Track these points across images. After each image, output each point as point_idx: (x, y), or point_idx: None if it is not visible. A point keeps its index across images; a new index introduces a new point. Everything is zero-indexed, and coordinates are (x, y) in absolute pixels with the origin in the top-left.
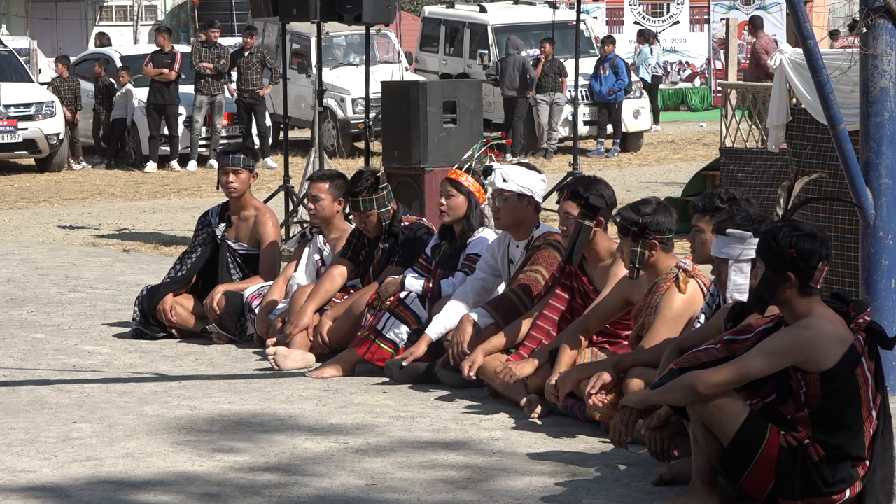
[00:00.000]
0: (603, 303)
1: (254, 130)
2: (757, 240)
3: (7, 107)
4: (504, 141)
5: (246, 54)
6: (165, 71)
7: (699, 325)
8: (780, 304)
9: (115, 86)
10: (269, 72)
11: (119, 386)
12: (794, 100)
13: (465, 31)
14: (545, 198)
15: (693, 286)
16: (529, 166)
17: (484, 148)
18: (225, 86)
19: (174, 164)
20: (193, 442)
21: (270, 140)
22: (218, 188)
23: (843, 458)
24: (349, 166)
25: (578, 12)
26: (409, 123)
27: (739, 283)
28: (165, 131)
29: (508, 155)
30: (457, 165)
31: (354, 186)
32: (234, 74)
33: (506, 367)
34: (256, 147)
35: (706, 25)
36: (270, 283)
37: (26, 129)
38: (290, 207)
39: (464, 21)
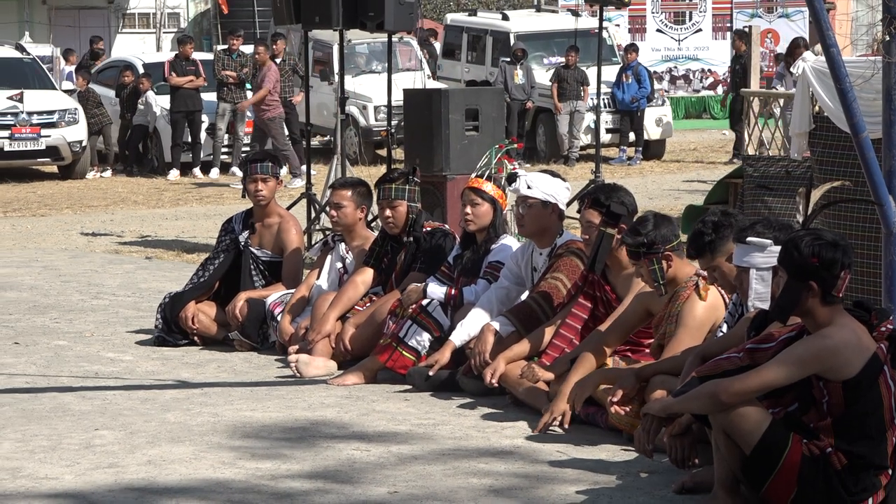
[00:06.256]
0: (624, 315)
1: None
2: (778, 247)
3: (30, 114)
4: (516, 146)
5: (278, 62)
6: (194, 78)
7: (721, 333)
8: (802, 314)
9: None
10: (299, 79)
11: (141, 393)
12: (817, 108)
13: (488, 39)
14: (567, 205)
15: (714, 293)
16: (553, 174)
17: (500, 155)
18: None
19: (196, 171)
20: (216, 449)
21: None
22: (244, 196)
23: (866, 466)
24: (371, 174)
25: (601, 20)
26: (431, 131)
27: (761, 292)
28: (188, 139)
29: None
30: (474, 174)
31: (389, 175)
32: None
33: (529, 367)
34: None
35: (728, 33)
36: (293, 290)
37: (49, 136)
38: (313, 215)
39: (486, 29)
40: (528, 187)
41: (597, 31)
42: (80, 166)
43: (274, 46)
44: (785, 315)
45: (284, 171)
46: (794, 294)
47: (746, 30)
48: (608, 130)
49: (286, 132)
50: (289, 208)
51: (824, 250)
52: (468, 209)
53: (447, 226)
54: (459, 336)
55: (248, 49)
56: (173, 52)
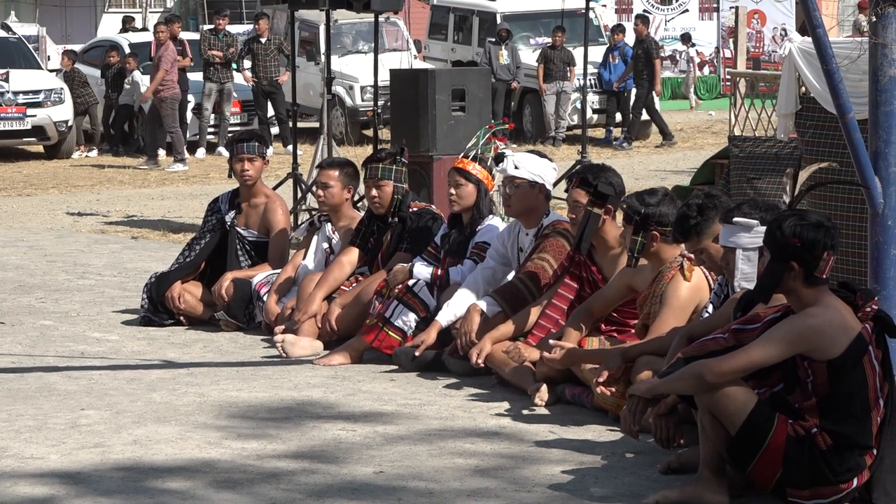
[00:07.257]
0: (606, 289)
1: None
2: (764, 228)
3: (16, 94)
4: (507, 126)
5: (263, 41)
6: (180, 58)
7: (707, 314)
8: (787, 294)
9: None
10: (285, 59)
11: (127, 373)
12: (803, 88)
13: (474, 20)
14: (554, 185)
15: (698, 273)
16: (541, 154)
17: (488, 135)
18: (240, 73)
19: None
20: (202, 429)
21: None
22: (230, 176)
23: (851, 446)
24: (357, 154)
25: (588, 1)
26: (417, 111)
27: (747, 272)
28: None
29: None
30: (462, 154)
31: (376, 154)
32: (247, 62)
33: (515, 346)
34: (276, 134)
35: (715, 14)
36: (279, 270)
37: (35, 115)
38: (299, 195)
39: (473, 9)
40: (516, 167)
41: (583, 11)
42: (66, 146)
43: (257, 26)
44: (766, 295)
45: (270, 151)
46: (776, 274)
47: (733, 10)
48: (595, 111)
49: (177, 115)
50: (275, 188)
51: (806, 231)
52: (452, 189)
53: (433, 206)
54: (445, 316)
55: (234, 29)
56: None
